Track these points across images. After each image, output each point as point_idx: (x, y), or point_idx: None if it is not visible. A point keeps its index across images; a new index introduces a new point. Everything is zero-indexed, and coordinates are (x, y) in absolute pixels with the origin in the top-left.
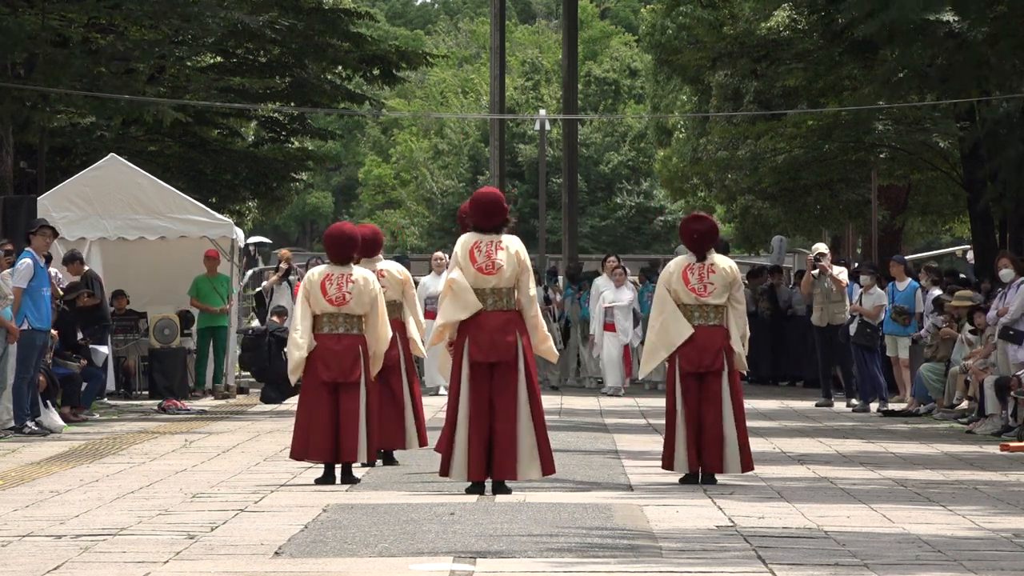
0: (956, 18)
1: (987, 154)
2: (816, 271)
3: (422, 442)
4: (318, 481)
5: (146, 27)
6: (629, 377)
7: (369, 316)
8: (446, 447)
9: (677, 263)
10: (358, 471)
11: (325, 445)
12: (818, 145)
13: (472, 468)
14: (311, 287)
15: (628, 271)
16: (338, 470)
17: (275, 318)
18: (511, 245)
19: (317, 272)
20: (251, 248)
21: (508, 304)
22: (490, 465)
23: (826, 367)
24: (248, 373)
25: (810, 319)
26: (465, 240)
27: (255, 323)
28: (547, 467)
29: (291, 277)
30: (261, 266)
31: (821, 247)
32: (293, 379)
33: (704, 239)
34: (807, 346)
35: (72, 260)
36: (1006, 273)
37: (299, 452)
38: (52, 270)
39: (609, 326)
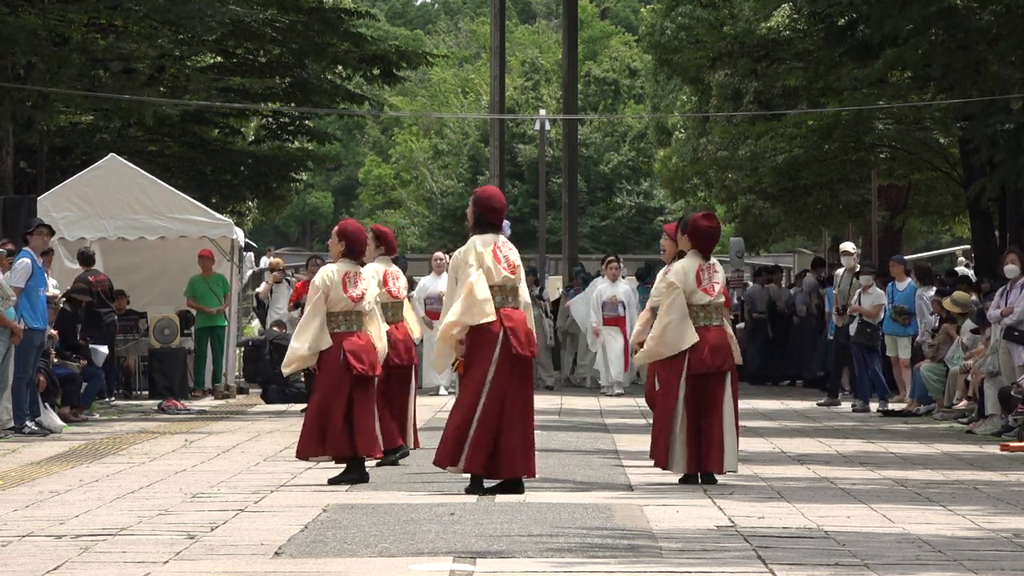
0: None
1: (979, 140)
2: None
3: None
4: (335, 481)
5: (145, 26)
6: (627, 371)
7: (372, 313)
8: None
9: (689, 264)
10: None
11: (345, 440)
12: (818, 145)
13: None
14: (332, 286)
15: (622, 265)
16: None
17: (275, 328)
18: (512, 246)
19: (335, 271)
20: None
21: (516, 302)
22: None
23: (839, 367)
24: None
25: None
26: (484, 240)
27: (255, 323)
28: (532, 470)
29: (289, 278)
30: (255, 267)
31: (848, 246)
32: (287, 371)
33: (715, 238)
34: (806, 346)
35: (82, 258)
36: (1011, 270)
37: (311, 450)
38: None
39: (609, 321)
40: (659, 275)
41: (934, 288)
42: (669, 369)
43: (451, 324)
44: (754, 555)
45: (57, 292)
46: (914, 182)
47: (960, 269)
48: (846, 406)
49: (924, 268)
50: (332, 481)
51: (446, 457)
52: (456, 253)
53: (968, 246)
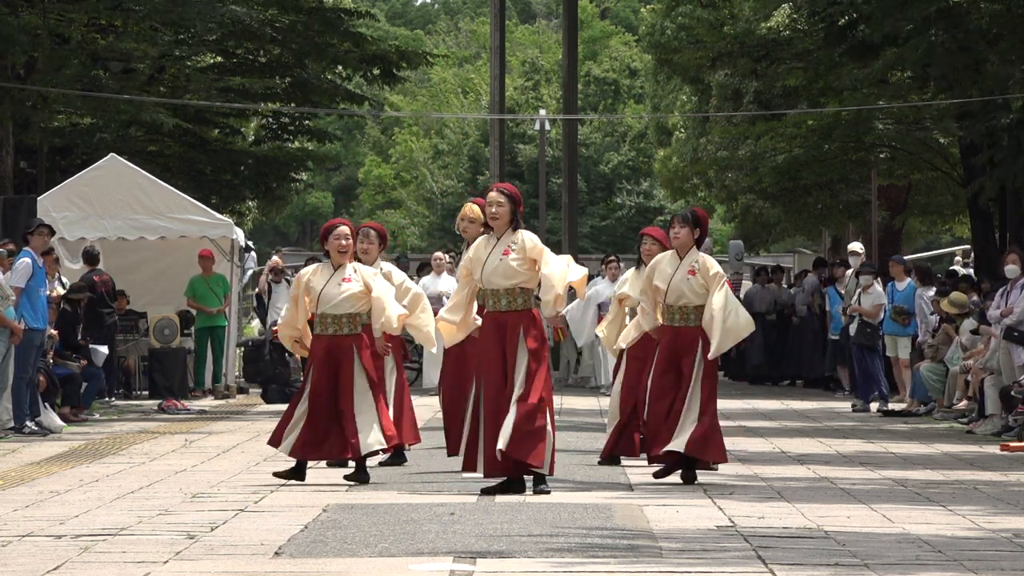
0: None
1: (979, 138)
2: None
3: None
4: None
5: (146, 27)
6: None
7: None
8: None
9: None
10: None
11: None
12: (818, 145)
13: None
14: None
15: (622, 266)
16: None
17: (275, 328)
18: None
19: None
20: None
21: None
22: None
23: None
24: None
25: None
26: None
27: (255, 323)
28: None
29: (289, 278)
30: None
31: (856, 247)
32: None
33: None
34: (807, 346)
35: (87, 257)
36: (1011, 270)
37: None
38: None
39: None
40: (631, 275)
41: (934, 288)
42: (715, 360)
43: (564, 286)
44: (754, 555)
45: (62, 292)
46: (914, 182)
47: (957, 268)
48: (845, 405)
49: (924, 268)
50: (348, 478)
51: (535, 455)
52: (529, 238)
53: (968, 246)
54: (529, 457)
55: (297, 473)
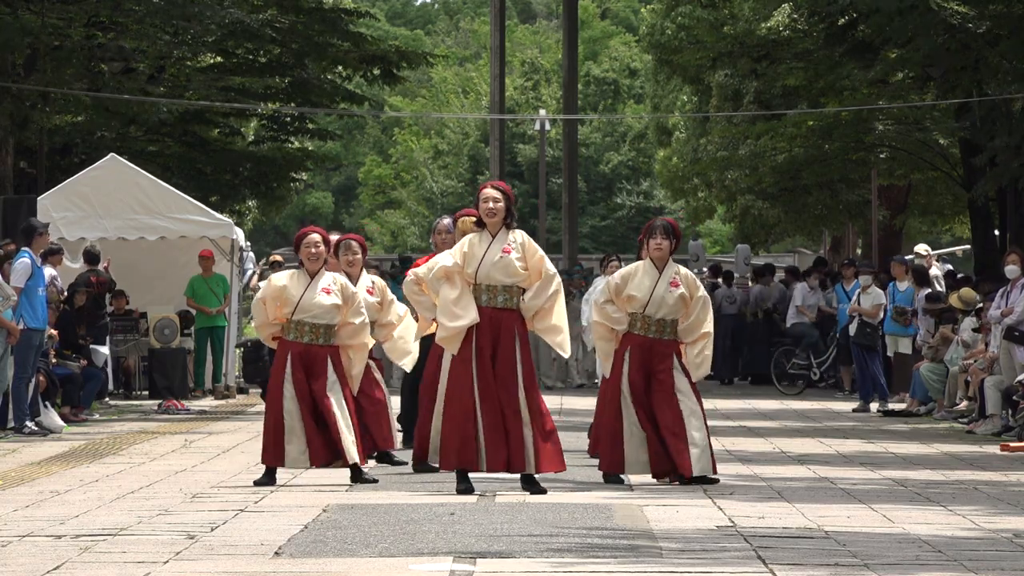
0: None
1: (983, 141)
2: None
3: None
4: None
5: (146, 25)
6: None
7: None
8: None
9: None
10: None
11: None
12: (818, 145)
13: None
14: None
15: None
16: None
17: None
18: None
19: None
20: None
21: None
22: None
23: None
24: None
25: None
26: None
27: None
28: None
29: None
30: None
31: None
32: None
33: None
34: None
35: (87, 256)
36: (1012, 270)
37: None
38: (49, 271)
39: None
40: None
41: (928, 290)
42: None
43: None
44: (754, 555)
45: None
46: (914, 182)
47: (934, 271)
48: (845, 405)
49: (921, 270)
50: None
51: (557, 463)
52: (529, 241)
53: (967, 246)
54: (553, 467)
55: (271, 477)
